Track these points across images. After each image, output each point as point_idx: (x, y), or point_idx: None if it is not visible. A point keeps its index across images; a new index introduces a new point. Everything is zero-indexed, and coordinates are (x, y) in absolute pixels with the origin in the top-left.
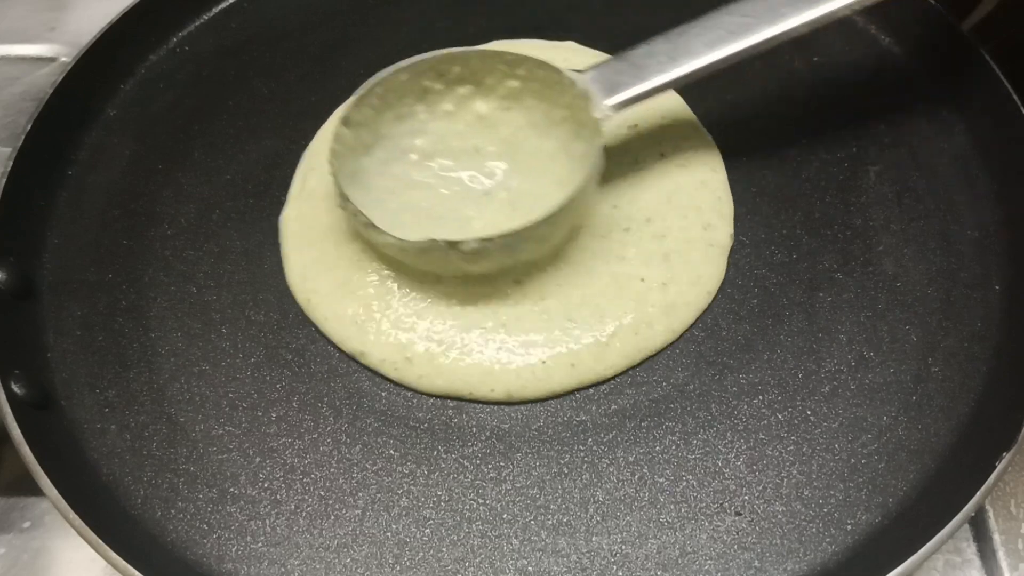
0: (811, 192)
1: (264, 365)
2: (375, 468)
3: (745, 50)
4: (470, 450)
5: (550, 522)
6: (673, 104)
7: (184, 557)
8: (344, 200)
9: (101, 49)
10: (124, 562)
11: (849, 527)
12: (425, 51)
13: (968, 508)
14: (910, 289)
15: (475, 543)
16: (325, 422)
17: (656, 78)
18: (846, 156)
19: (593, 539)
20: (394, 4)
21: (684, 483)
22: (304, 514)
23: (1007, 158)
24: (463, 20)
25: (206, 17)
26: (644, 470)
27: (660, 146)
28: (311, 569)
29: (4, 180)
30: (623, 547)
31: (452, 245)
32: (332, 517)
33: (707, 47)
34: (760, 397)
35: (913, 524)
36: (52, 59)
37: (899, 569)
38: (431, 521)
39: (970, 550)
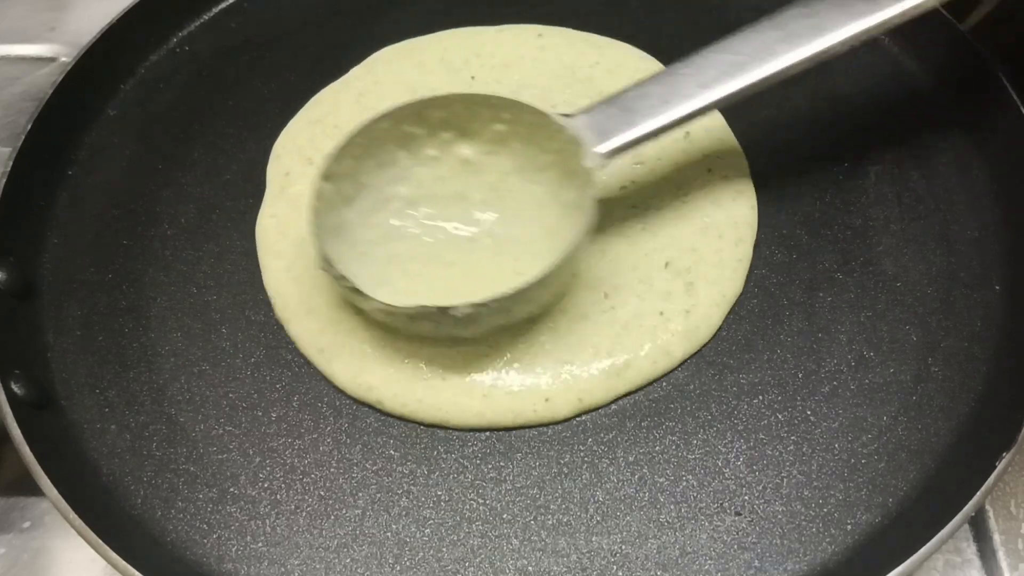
0: (811, 192)
1: (264, 365)
2: (375, 468)
3: (740, 91)
4: (470, 450)
5: (550, 522)
6: (713, 122)
7: (184, 557)
8: (327, 264)
9: (101, 49)
10: (124, 562)
11: (849, 527)
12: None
13: (968, 508)
14: (910, 289)
15: (475, 543)
16: (325, 422)
17: (648, 122)
18: (846, 156)
19: (593, 539)
20: (395, 4)
21: (684, 483)
22: (304, 514)
23: (1007, 158)
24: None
25: (206, 17)
26: (644, 470)
27: (707, 162)
28: (311, 569)
29: (4, 180)
30: (623, 547)
31: (443, 311)
32: (332, 517)
33: (701, 88)
34: (760, 397)
35: (913, 524)
36: (52, 59)
37: (899, 569)
38: (431, 521)
39: (970, 550)
